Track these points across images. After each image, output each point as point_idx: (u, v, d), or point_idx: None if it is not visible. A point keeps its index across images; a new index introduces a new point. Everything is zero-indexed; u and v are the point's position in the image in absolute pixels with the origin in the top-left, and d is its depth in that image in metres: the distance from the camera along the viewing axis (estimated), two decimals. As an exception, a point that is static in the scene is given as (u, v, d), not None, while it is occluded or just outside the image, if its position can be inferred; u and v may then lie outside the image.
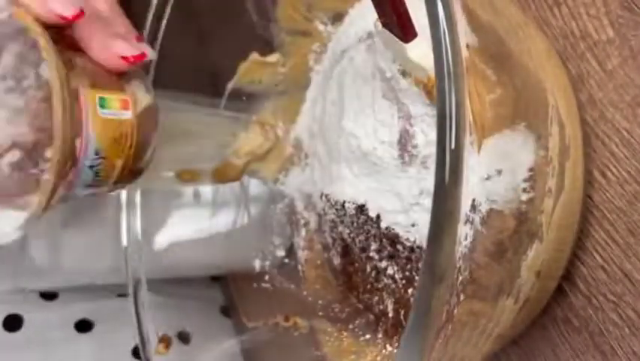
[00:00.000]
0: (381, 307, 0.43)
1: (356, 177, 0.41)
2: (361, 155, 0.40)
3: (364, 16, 0.44)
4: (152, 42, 0.44)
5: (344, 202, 0.43)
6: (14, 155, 0.28)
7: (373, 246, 0.42)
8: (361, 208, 0.41)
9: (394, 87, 0.38)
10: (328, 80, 0.46)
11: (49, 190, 0.29)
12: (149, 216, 0.47)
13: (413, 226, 0.38)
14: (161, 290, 0.45)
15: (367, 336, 0.45)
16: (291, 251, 0.52)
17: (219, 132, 0.51)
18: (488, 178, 0.30)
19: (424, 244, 0.27)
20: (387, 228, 0.40)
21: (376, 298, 0.44)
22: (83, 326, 0.52)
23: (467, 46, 0.25)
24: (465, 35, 0.25)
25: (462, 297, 0.28)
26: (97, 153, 0.30)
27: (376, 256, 0.42)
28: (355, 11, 0.46)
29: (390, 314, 0.42)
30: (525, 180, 0.31)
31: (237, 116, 0.51)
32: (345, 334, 0.45)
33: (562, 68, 0.37)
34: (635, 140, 0.35)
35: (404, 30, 0.28)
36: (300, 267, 0.51)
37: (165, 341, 0.43)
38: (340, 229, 0.45)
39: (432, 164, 0.37)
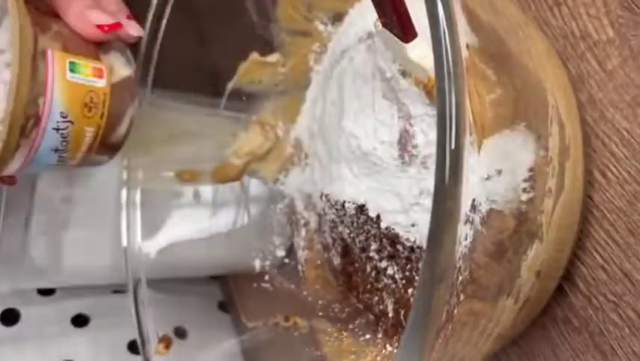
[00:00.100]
0: (381, 307, 0.43)
1: (356, 177, 0.41)
2: (361, 155, 0.40)
3: (364, 16, 0.44)
4: (152, 42, 0.44)
5: (344, 202, 0.43)
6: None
7: (373, 246, 0.42)
8: (361, 208, 0.41)
9: (394, 87, 0.38)
10: (328, 80, 0.46)
11: (6, 143, 0.29)
12: (149, 216, 0.47)
13: (413, 226, 0.38)
14: (159, 287, 0.45)
15: (367, 336, 0.45)
16: (291, 251, 0.52)
17: (219, 132, 0.51)
18: (488, 178, 0.30)
19: (424, 244, 0.27)
20: (387, 228, 0.40)
21: (376, 298, 0.44)
22: (80, 321, 0.52)
23: (467, 46, 0.25)
24: (465, 35, 0.25)
25: (462, 297, 0.28)
26: (63, 116, 0.31)
27: (376, 256, 0.42)
28: (355, 11, 0.46)
29: (390, 314, 0.42)
30: (525, 180, 0.31)
31: (237, 116, 0.51)
32: (345, 334, 0.45)
33: (562, 68, 0.37)
34: (635, 140, 0.35)
35: (404, 30, 0.28)
36: (300, 267, 0.51)
37: (165, 341, 0.43)
38: (340, 229, 0.45)
39: (432, 164, 0.37)
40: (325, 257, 0.50)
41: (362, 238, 0.43)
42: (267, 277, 0.51)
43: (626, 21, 0.35)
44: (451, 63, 0.23)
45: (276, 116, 0.51)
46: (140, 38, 0.35)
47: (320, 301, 0.48)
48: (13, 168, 0.32)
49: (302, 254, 0.51)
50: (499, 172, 0.31)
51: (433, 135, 0.37)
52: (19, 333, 0.50)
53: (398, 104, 0.38)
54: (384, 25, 0.29)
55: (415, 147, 0.37)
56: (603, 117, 0.36)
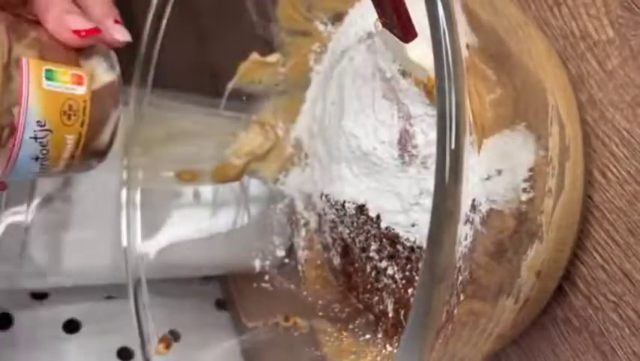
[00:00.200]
0: (381, 307, 0.43)
1: (356, 177, 0.41)
2: (361, 155, 0.40)
3: (364, 16, 0.44)
4: (152, 42, 0.44)
5: (344, 202, 0.43)
6: None
7: (373, 246, 0.42)
8: (361, 208, 0.41)
9: (394, 87, 0.38)
10: (328, 80, 0.46)
11: None
12: (149, 216, 0.47)
13: (413, 226, 0.38)
14: (155, 288, 0.45)
15: (367, 336, 0.45)
16: (291, 251, 0.52)
17: (219, 132, 0.51)
18: (488, 178, 0.30)
19: (424, 244, 0.27)
20: (387, 228, 0.40)
21: (376, 298, 0.44)
22: (71, 327, 0.53)
23: (467, 46, 0.25)
24: (465, 35, 0.25)
25: (462, 297, 0.28)
26: (40, 125, 0.30)
27: (376, 256, 0.42)
28: (355, 11, 0.46)
29: (390, 314, 0.42)
30: (525, 180, 0.31)
31: (237, 116, 0.51)
32: (345, 334, 0.45)
33: (562, 68, 0.37)
34: (635, 140, 0.35)
35: (404, 30, 0.28)
36: (300, 267, 0.51)
37: (165, 341, 0.43)
38: (340, 229, 0.45)
39: (432, 164, 0.37)
40: (325, 257, 0.50)
41: (362, 238, 0.43)
42: (267, 277, 0.51)
43: (626, 21, 0.35)
44: (451, 63, 0.23)
45: (276, 116, 0.51)
46: (127, 43, 0.34)
47: (320, 301, 0.48)
48: None
49: (302, 254, 0.51)
50: (499, 172, 0.31)
51: (433, 135, 0.37)
52: (11, 337, 0.50)
53: (398, 104, 0.38)
54: (384, 25, 0.29)
55: (415, 147, 0.37)
56: (603, 117, 0.36)
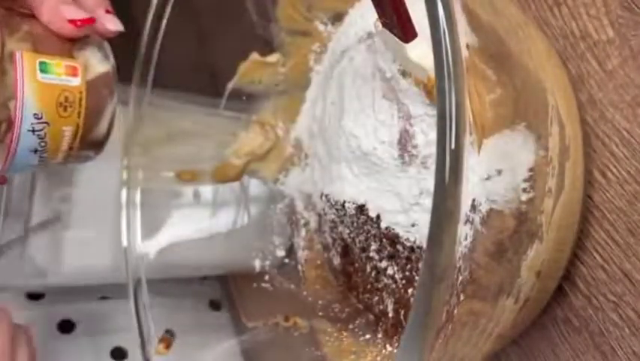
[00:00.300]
0: (381, 307, 0.43)
1: (356, 177, 0.41)
2: (361, 155, 0.40)
3: (364, 16, 0.44)
4: (152, 42, 0.44)
5: (344, 202, 0.43)
6: None
7: (373, 246, 0.42)
8: (361, 208, 0.41)
9: (394, 87, 0.38)
10: (328, 80, 0.46)
11: None
12: (149, 216, 0.47)
13: (413, 226, 0.38)
14: (153, 287, 0.45)
15: (367, 336, 0.45)
16: (291, 251, 0.52)
17: (219, 132, 0.51)
18: (488, 178, 0.30)
19: (424, 244, 0.27)
20: (387, 228, 0.40)
21: (376, 298, 0.44)
22: (66, 327, 0.53)
23: (467, 46, 0.25)
24: (465, 35, 0.25)
25: (462, 297, 0.28)
26: (37, 117, 0.30)
27: (376, 256, 0.42)
28: (355, 11, 0.46)
29: (390, 314, 0.42)
30: (525, 180, 0.31)
31: (237, 116, 0.51)
32: (345, 334, 0.45)
33: (562, 68, 0.37)
34: (635, 140, 0.35)
35: (404, 30, 0.28)
36: (300, 267, 0.51)
37: (166, 341, 0.43)
38: (340, 229, 0.45)
39: (432, 164, 0.37)
40: (325, 257, 0.50)
41: (362, 238, 0.43)
42: (267, 277, 0.51)
43: (626, 21, 0.35)
44: (451, 63, 0.23)
45: (276, 116, 0.51)
46: (119, 33, 0.34)
47: (320, 301, 0.48)
48: None
49: (302, 254, 0.51)
50: (499, 172, 0.31)
51: (433, 135, 0.37)
52: None
53: (398, 104, 0.38)
54: (384, 25, 0.29)
55: (415, 147, 0.37)
56: (603, 117, 0.36)
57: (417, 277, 0.40)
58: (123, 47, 0.36)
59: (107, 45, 0.34)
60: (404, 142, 0.38)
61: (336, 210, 0.44)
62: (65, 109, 0.31)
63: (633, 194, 0.35)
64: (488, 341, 0.34)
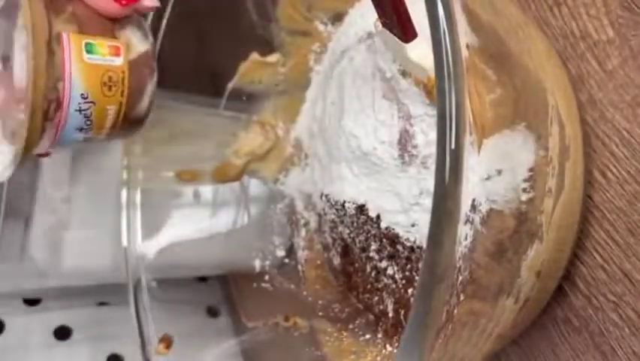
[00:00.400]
0: (381, 307, 0.43)
1: (356, 177, 0.41)
2: (361, 155, 0.40)
3: (364, 16, 0.44)
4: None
5: (344, 202, 0.43)
6: None
7: (373, 246, 0.42)
8: (361, 208, 0.41)
9: (394, 87, 0.38)
10: (328, 80, 0.46)
11: (30, 128, 0.30)
12: (149, 216, 0.47)
13: (413, 226, 0.38)
14: (151, 292, 0.45)
15: (367, 336, 0.45)
16: (291, 251, 0.52)
17: (219, 132, 0.51)
18: (488, 178, 0.30)
19: (424, 244, 0.27)
20: (387, 228, 0.40)
21: (376, 298, 0.44)
22: (62, 334, 0.53)
23: (467, 46, 0.25)
24: (465, 35, 0.25)
25: (462, 297, 0.28)
26: (84, 97, 0.31)
27: (376, 256, 0.42)
28: (355, 11, 0.46)
29: (390, 314, 0.42)
30: (525, 180, 0.31)
31: (237, 116, 0.51)
32: (345, 334, 0.45)
33: (562, 68, 0.37)
34: (635, 140, 0.35)
35: (404, 30, 0.28)
36: (300, 267, 0.51)
37: (166, 341, 0.43)
38: (340, 229, 0.45)
39: (432, 164, 0.37)
40: (325, 257, 0.50)
41: (362, 238, 0.43)
42: (267, 277, 0.51)
43: (626, 21, 0.35)
44: (451, 63, 0.23)
45: (276, 116, 0.51)
46: (156, 9, 0.35)
47: (320, 301, 0.48)
48: (42, 148, 0.33)
49: (302, 254, 0.51)
50: (499, 172, 0.31)
51: (433, 135, 0.37)
52: (3, 344, 0.50)
53: (398, 104, 0.38)
54: (384, 25, 0.29)
55: (415, 147, 0.37)
56: (603, 117, 0.36)
57: (417, 277, 0.40)
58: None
59: (145, 24, 0.35)
60: (404, 142, 0.38)
61: (336, 210, 0.44)
62: (110, 88, 0.32)
63: (633, 194, 0.35)
64: (488, 341, 0.34)
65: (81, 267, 0.49)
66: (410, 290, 0.40)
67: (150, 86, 0.34)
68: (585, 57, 0.37)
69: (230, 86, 0.50)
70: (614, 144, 0.35)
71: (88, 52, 0.31)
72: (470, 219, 0.28)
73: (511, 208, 0.31)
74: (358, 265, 0.45)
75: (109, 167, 0.48)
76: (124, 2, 0.33)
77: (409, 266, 0.40)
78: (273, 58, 0.49)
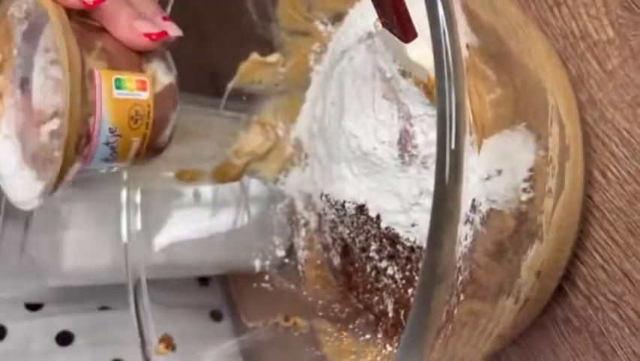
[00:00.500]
0: (381, 307, 0.43)
1: (356, 177, 0.41)
2: (361, 155, 0.40)
3: (364, 16, 0.44)
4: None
5: (344, 202, 0.43)
6: (54, 123, 0.32)
7: (373, 246, 0.42)
8: (361, 208, 0.41)
9: (394, 87, 0.38)
10: (328, 80, 0.46)
11: (62, 162, 0.31)
12: (149, 216, 0.47)
13: (413, 226, 0.38)
14: (152, 298, 0.45)
15: (367, 336, 0.45)
16: (291, 251, 0.52)
17: (219, 132, 0.51)
18: (488, 178, 0.30)
19: (424, 244, 0.27)
20: (387, 228, 0.40)
21: (376, 298, 0.44)
22: (64, 339, 0.53)
23: (467, 46, 0.25)
24: (465, 35, 0.25)
25: (462, 297, 0.28)
26: (111, 131, 0.32)
27: (376, 256, 0.42)
28: (355, 11, 0.46)
29: (390, 314, 0.42)
30: (525, 180, 0.31)
31: (237, 116, 0.51)
32: (345, 334, 0.45)
33: (562, 68, 0.37)
34: (635, 140, 0.35)
35: (404, 30, 0.28)
36: (300, 267, 0.51)
37: (166, 341, 0.43)
38: (340, 229, 0.45)
39: (432, 164, 0.37)
40: (325, 257, 0.50)
41: (362, 238, 0.43)
42: (267, 277, 0.51)
43: (626, 21, 0.35)
44: (451, 63, 0.23)
45: (276, 116, 0.51)
46: (179, 39, 0.35)
47: (320, 301, 0.48)
48: (67, 179, 0.33)
49: (302, 254, 0.51)
50: (499, 172, 0.31)
51: (433, 135, 0.37)
52: (5, 350, 0.50)
53: (398, 104, 0.38)
54: (384, 25, 0.29)
55: (415, 147, 0.37)
56: (603, 117, 0.36)
57: (417, 277, 0.40)
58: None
59: (169, 55, 0.35)
60: (404, 142, 0.38)
61: (336, 210, 0.44)
62: (136, 122, 0.33)
63: (633, 194, 0.35)
64: (488, 341, 0.34)
65: (81, 267, 0.49)
66: (410, 290, 0.40)
67: (173, 118, 0.35)
68: (585, 57, 0.37)
69: (230, 86, 0.50)
70: (614, 144, 0.35)
71: (117, 87, 0.32)
72: (470, 219, 0.28)
73: (511, 208, 0.31)
74: (358, 265, 0.45)
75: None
76: (154, 37, 0.33)
77: (409, 266, 0.40)
78: (273, 58, 0.49)
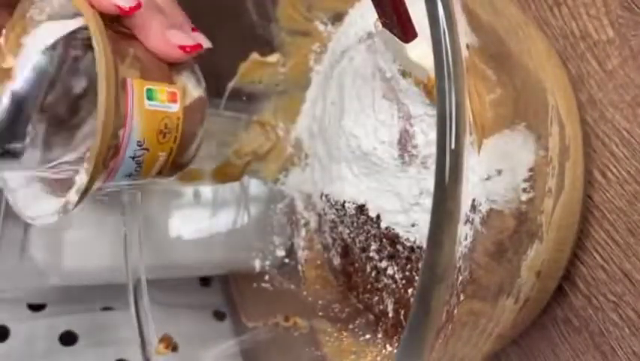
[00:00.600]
0: (381, 307, 0.43)
1: (356, 177, 0.41)
2: (361, 155, 0.40)
3: (364, 16, 0.44)
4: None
5: (344, 202, 0.43)
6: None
7: (373, 246, 0.42)
8: (361, 208, 0.41)
9: (394, 87, 0.38)
10: (328, 80, 0.46)
11: (91, 178, 0.29)
12: (149, 216, 0.47)
13: (413, 226, 0.38)
14: (154, 298, 0.45)
15: (367, 336, 0.45)
16: (291, 251, 0.52)
17: (219, 132, 0.51)
18: (488, 178, 0.30)
19: (424, 244, 0.27)
20: (387, 228, 0.40)
21: (376, 298, 0.44)
22: (68, 340, 0.52)
23: (467, 46, 0.25)
24: (465, 35, 0.25)
25: (462, 297, 0.28)
26: (139, 145, 0.30)
27: (376, 256, 0.42)
28: (355, 11, 0.46)
29: (390, 314, 0.42)
30: (525, 180, 0.31)
31: (237, 116, 0.51)
32: (345, 334, 0.45)
33: (562, 68, 0.37)
34: (635, 140, 0.35)
35: (404, 30, 0.28)
36: (300, 267, 0.51)
37: (166, 340, 0.43)
38: (340, 229, 0.45)
39: (432, 164, 0.37)
40: (325, 257, 0.50)
41: (362, 238, 0.43)
42: (267, 277, 0.51)
43: (626, 21, 0.35)
44: (451, 63, 0.23)
45: (276, 116, 0.51)
46: (208, 50, 0.33)
47: (320, 301, 0.48)
48: (89, 193, 0.31)
49: (302, 254, 0.51)
50: (499, 172, 0.31)
51: (433, 135, 0.37)
52: (8, 351, 0.50)
53: (398, 104, 0.38)
54: (384, 25, 0.29)
55: (415, 147, 0.37)
56: (603, 117, 0.36)
57: (417, 277, 0.40)
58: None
59: (197, 68, 0.34)
60: (404, 142, 0.38)
61: (336, 210, 0.44)
62: (164, 135, 0.31)
63: (633, 194, 0.35)
64: (488, 341, 0.34)
65: (81, 267, 0.49)
66: (410, 290, 0.40)
67: (200, 133, 0.33)
68: (585, 57, 0.37)
69: (230, 86, 0.50)
70: (614, 144, 0.35)
71: (148, 98, 0.30)
72: (470, 219, 0.28)
73: (511, 208, 0.31)
74: (358, 265, 0.45)
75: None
76: (188, 49, 0.32)
77: (409, 266, 0.40)
78: (273, 58, 0.49)
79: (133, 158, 0.30)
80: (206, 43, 0.33)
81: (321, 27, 0.48)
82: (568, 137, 0.34)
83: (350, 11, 0.46)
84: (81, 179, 0.29)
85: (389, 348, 0.43)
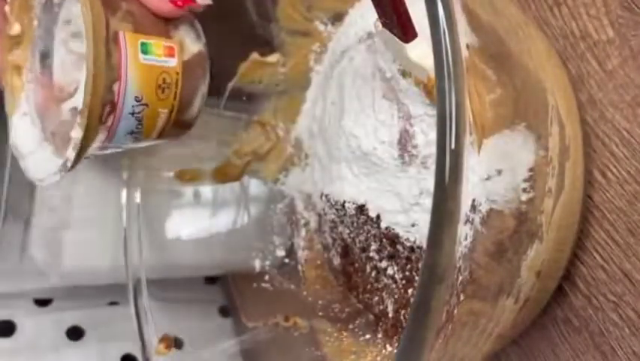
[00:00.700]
0: (381, 307, 0.43)
1: (356, 177, 0.41)
2: (361, 155, 0.40)
3: (364, 16, 0.44)
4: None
5: (344, 202, 0.43)
6: (76, 101, 0.29)
7: (373, 246, 0.42)
8: (361, 208, 0.41)
9: (394, 87, 0.38)
10: (328, 80, 0.46)
11: (86, 135, 0.28)
12: (149, 216, 0.47)
13: (413, 226, 0.38)
14: (159, 294, 0.45)
15: (367, 336, 0.45)
16: (291, 251, 0.52)
17: (219, 132, 0.51)
18: (488, 178, 0.30)
19: (424, 244, 0.27)
20: (387, 228, 0.40)
21: (376, 298, 0.44)
22: (74, 334, 0.52)
23: (467, 46, 0.25)
24: (465, 35, 0.25)
25: (462, 297, 0.28)
26: (137, 100, 0.30)
27: (376, 256, 0.42)
28: (355, 11, 0.46)
29: (390, 314, 0.42)
30: (525, 180, 0.31)
31: (237, 116, 0.51)
32: (345, 334, 0.45)
33: (562, 68, 0.37)
34: (635, 140, 0.35)
35: (404, 30, 0.28)
36: (300, 267, 0.51)
37: (166, 340, 0.43)
38: (340, 229, 0.45)
39: (432, 164, 0.37)
40: (325, 257, 0.50)
41: (362, 238, 0.43)
42: (267, 277, 0.51)
43: (626, 21, 0.35)
44: (451, 63, 0.23)
45: (276, 116, 0.51)
46: (209, 7, 0.33)
47: (320, 301, 0.48)
48: (90, 152, 0.31)
49: (302, 254, 0.51)
50: (499, 172, 0.31)
51: (433, 135, 0.37)
52: (14, 345, 0.50)
53: (398, 104, 0.38)
54: (384, 25, 0.29)
55: (415, 147, 0.37)
56: (603, 117, 0.36)
57: (417, 277, 0.40)
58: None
59: (197, 23, 0.33)
60: (404, 142, 0.38)
61: (336, 210, 0.44)
62: (163, 91, 0.31)
63: (633, 194, 0.35)
64: (488, 341, 0.34)
65: (81, 267, 0.49)
66: (410, 290, 0.40)
67: (202, 89, 0.33)
68: (585, 57, 0.37)
69: (230, 86, 0.50)
70: (614, 144, 0.35)
71: (143, 52, 0.30)
72: (470, 219, 0.28)
73: (511, 208, 0.31)
74: (358, 265, 0.45)
75: (109, 167, 0.48)
76: (180, 3, 0.31)
77: (409, 266, 0.40)
78: (273, 58, 0.49)
79: (132, 114, 0.30)
80: (205, 0, 0.33)
81: (321, 27, 0.48)
82: (568, 137, 0.34)
83: (350, 11, 0.46)
84: (76, 134, 0.29)
85: (389, 348, 0.43)
